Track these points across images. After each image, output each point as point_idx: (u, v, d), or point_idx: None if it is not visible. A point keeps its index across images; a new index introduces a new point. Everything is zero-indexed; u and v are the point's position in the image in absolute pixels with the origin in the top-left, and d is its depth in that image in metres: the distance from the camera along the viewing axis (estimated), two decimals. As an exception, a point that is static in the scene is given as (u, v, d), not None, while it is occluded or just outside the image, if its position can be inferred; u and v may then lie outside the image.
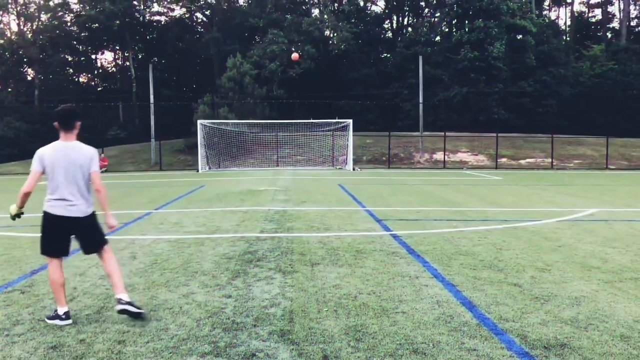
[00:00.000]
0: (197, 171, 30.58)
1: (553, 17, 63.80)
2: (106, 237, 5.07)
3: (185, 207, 13.10)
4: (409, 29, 57.84)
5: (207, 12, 58.12)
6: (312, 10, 57.03)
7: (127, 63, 57.35)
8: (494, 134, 36.25)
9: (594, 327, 4.49)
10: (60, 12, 56.49)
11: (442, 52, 48.74)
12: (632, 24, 59.04)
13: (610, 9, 62.54)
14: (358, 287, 5.74)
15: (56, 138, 4.85)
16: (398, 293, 5.51)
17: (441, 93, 45.87)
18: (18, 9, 56.35)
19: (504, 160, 35.51)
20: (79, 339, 4.33)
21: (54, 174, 4.71)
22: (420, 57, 37.79)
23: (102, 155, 33.45)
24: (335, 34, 51.09)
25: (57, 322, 4.66)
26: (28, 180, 4.75)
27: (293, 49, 44.79)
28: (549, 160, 34.83)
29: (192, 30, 60.92)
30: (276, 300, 5.29)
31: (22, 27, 57.56)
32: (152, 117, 36.58)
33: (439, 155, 36.17)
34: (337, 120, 34.46)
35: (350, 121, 32.87)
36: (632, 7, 58.21)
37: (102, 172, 23.14)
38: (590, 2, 64.35)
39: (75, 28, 56.78)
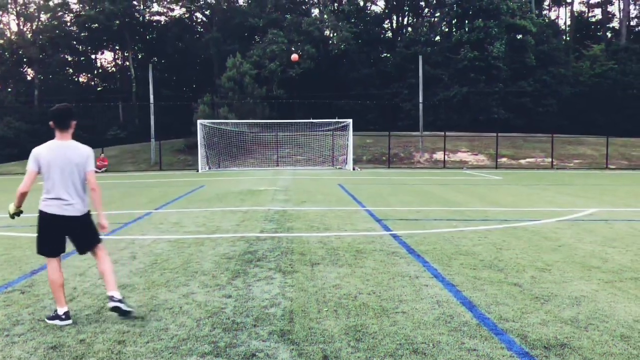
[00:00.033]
0: (197, 171, 30.58)
1: (553, 17, 63.83)
2: (100, 236, 5.07)
3: (185, 207, 13.10)
4: (409, 28, 57.83)
5: (207, 12, 58.10)
6: (312, 10, 57.02)
7: (127, 63, 57.33)
8: (494, 134, 36.25)
9: (594, 327, 4.49)
10: (60, 12, 56.45)
11: (442, 52, 48.73)
12: (632, 23, 59.04)
13: (610, 8, 62.56)
14: (358, 287, 5.74)
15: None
16: (398, 293, 5.51)
17: (441, 93, 45.86)
18: (18, 9, 56.33)
19: (504, 160, 35.50)
20: (79, 339, 4.33)
21: (49, 173, 4.72)
22: (420, 57, 37.78)
23: (102, 155, 33.44)
24: (335, 34, 51.07)
25: (57, 322, 4.66)
26: (24, 180, 4.76)
27: (293, 49, 44.80)
28: (549, 160, 34.83)
29: (192, 30, 60.90)
30: (276, 300, 5.29)
31: (21, 27, 57.55)
32: (152, 117, 36.56)
33: (439, 155, 36.16)
34: (337, 120, 34.45)
35: (350, 121, 32.86)
36: (632, 7, 58.21)
37: (102, 172, 23.13)
38: (590, 1, 64.34)
39: (75, 28, 56.74)
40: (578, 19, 62.11)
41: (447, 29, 53.59)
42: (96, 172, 22.40)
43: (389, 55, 56.40)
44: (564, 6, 63.54)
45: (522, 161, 35.65)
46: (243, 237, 8.67)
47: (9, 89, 55.18)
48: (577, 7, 65.97)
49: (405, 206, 13.00)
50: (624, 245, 7.97)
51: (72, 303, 5.21)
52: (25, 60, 55.95)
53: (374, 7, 60.13)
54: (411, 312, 4.91)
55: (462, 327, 4.51)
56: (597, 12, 64.40)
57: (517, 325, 4.54)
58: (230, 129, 34.43)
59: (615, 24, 61.50)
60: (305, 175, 26.12)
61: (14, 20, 58.16)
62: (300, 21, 48.95)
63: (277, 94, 43.92)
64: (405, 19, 60.54)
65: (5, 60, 54.03)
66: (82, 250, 5.01)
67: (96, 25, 52.84)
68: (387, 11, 59.72)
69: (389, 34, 60.49)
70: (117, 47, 60.39)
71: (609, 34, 60.25)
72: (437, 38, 54.26)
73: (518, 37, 46.63)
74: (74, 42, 57.52)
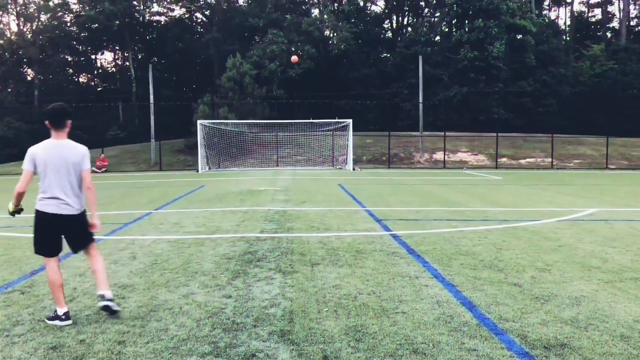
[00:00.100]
0: (197, 171, 30.59)
1: (553, 17, 63.84)
2: (94, 236, 5.07)
3: (185, 207, 13.10)
4: (409, 28, 57.84)
5: (207, 12, 58.10)
6: (312, 10, 57.02)
7: (127, 63, 57.34)
8: (494, 134, 36.25)
9: (594, 327, 4.49)
10: (60, 12, 56.46)
11: (442, 52, 48.74)
12: (631, 23, 59.05)
13: (610, 8, 62.57)
14: (358, 287, 5.74)
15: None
16: (398, 293, 5.51)
17: (441, 93, 45.88)
18: (18, 9, 56.34)
19: (504, 160, 35.50)
20: (79, 339, 4.33)
21: (46, 173, 4.73)
22: (420, 57, 37.78)
23: (102, 155, 33.44)
24: (335, 34, 51.07)
25: (57, 322, 4.66)
26: (21, 180, 4.78)
27: (293, 49, 44.80)
28: (549, 160, 34.83)
29: (192, 30, 60.90)
30: (276, 300, 5.29)
31: (21, 28, 57.57)
32: (152, 117, 36.57)
33: (439, 155, 36.16)
34: (337, 120, 34.46)
35: (350, 121, 32.87)
36: (631, 7, 58.22)
37: (102, 172, 23.09)
38: (590, 1, 64.36)
39: (75, 28, 56.76)
40: (578, 19, 62.11)
41: (447, 29, 53.59)
42: (96, 172, 22.45)
43: (389, 55, 56.42)
44: (564, 6, 63.57)
45: (522, 161, 35.66)
46: (243, 238, 8.67)
47: (9, 89, 55.21)
48: (577, 7, 66.05)
49: (405, 206, 13.00)
50: (624, 245, 7.97)
51: (72, 303, 5.21)
52: (25, 60, 55.97)
53: (374, 7, 60.19)
54: (411, 312, 4.91)
55: (462, 327, 4.51)
56: (597, 12, 64.47)
57: (517, 325, 4.54)
58: (230, 129, 34.43)
59: (615, 24, 61.53)
60: (305, 175, 26.12)
61: (14, 20, 58.23)
62: (300, 21, 48.96)
63: (277, 94, 43.93)
64: (405, 19, 60.56)
65: (5, 60, 54.05)
66: (76, 249, 5.03)
67: (96, 25, 52.86)
68: (387, 11, 59.73)
69: (389, 34, 60.50)
70: (117, 48, 60.41)
71: (609, 34, 60.26)
72: (437, 38, 54.27)
73: (518, 37, 46.64)
74: (74, 43, 57.53)
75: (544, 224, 10.04)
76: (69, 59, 59.05)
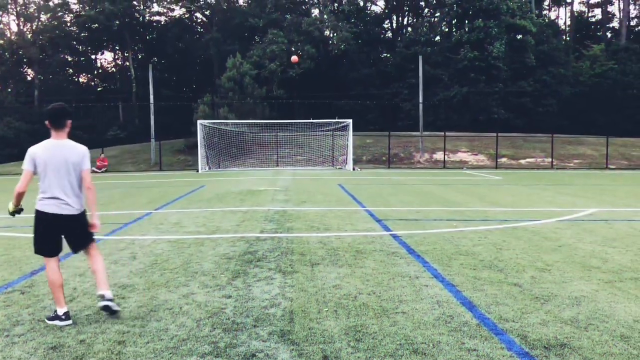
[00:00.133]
0: (197, 171, 30.58)
1: (553, 17, 63.83)
2: (94, 236, 5.08)
3: (185, 207, 13.10)
4: (409, 28, 57.83)
5: (207, 12, 58.09)
6: (312, 10, 56.99)
7: (127, 63, 57.33)
8: (494, 134, 36.25)
9: (594, 327, 4.49)
10: (60, 12, 56.46)
11: (442, 52, 48.74)
12: (631, 23, 59.05)
13: (610, 8, 62.59)
14: (358, 287, 5.74)
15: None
16: (398, 293, 5.51)
17: (441, 93, 45.89)
18: (18, 9, 56.34)
19: (504, 160, 35.50)
20: (79, 339, 4.33)
21: (46, 173, 4.74)
22: (420, 57, 37.78)
23: (102, 155, 33.44)
24: (335, 34, 51.07)
25: (57, 322, 4.66)
26: (21, 180, 4.78)
27: (293, 49, 44.79)
28: (549, 159, 34.83)
29: (192, 30, 60.90)
30: (276, 300, 5.29)
31: (21, 28, 57.56)
32: (152, 117, 36.57)
33: (439, 155, 36.16)
34: (337, 120, 34.47)
35: (350, 121, 32.87)
36: (631, 7, 58.22)
37: (102, 172, 23.07)
38: (590, 1, 64.39)
39: (75, 28, 56.76)
40: (578, 19, 62.11)
41: (447, 29, 53.60)
42: (96, 172, 22.44)
43: (389, 55, 56.43)
44: (563, 6, 63.57)
45: (522, 161, 35.66)
46: (243, 238, 8.67)
47: (9, 89, 55.20)
48: (577, 7, 66.06)
49: (405, 206, 13.00)
50: (624, 245, 7.97)
51: (72, 303, 5.21)
52: (25, 60, 55.97)
53: (374, 7, 60.18)
54: (411, 312, 4.91)
55: (462, 327, 4.51)
56: (597, 12, 64.50)
57: (517, 325, 4.54)
58: (230, 129, 34.44)
59: (615, 24, 61.54)
60: (305, 175, 26.12)
61: (14, 20, 58.23)
62: (300, 21, 48.96)
63: (277, 94, 43.94)
64: (405, 19, 60.56)
65: (5, 60, 54.05)
66: (76, 249, 5.03)
67: (96, 25, 52.87)
68: (387, 11, 59.73)
69: (389, 34, 60.51)
70: (117, 48, 60.41)
71: (609, 34, 60.27)
72: (437, 38, 54.26)
73: (518, 37, 46.64)
74: (74, 43, 57.53)
75: (544, 224, 10.04)
76: (69, 59, 59.05)
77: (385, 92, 48.86)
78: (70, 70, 60.93)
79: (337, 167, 33.60)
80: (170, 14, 59.71)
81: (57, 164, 4.74)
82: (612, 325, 4.55)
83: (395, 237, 8.70)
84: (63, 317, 4.68)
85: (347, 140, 33.38)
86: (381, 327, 4.51)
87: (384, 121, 47.47)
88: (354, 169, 31.36)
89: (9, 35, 56.33)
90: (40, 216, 4.79)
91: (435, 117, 46.11)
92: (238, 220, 10.65)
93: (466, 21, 46.60)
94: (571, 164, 34.94)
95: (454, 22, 50.76)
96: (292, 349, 4.06)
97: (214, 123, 34.31)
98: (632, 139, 40.40)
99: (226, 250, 7.71)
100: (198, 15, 60.42)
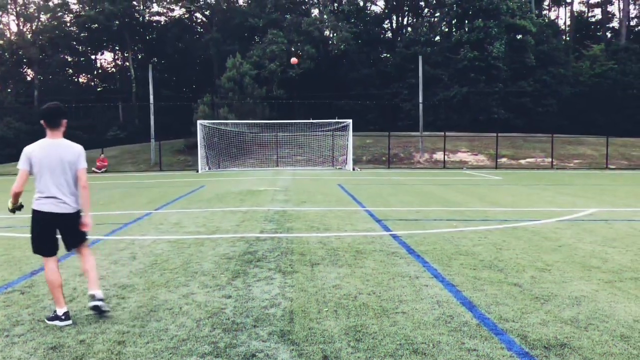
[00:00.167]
0: (197, 171, 30.58)
1: (553, 17, 63.84)
2: (87, 235, 5.08)
3: (185, 207, 13.09)
4: (409, 28, 57.84)
5: (207, 13, 58.09)
6: (312, 10, 57.00)
7: (127, 63, 57.32)
8: (494, 134, 36.25)
9: (594, 327, 4.49)
10: (60, 12, 56.44)
11: (442, 52, 48.74)
12: (631, 23, 59.05)
13: (610, 8, 62.59)
14: (358, 287, 5.74)
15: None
16: (398, 293, 5.51)
17: (441, 93, 45.89)
18: (17, 9, 56.33)
19: (504, 160, 35.50)
20: (79, 339, 4.33)
21: (42, 172, 4.76)
22: (420, 57, 37.78)
23: (102, 155, 33.44)
24: (335, 34, 51.07)
25: (57, 322, 4.66)
26: (17, 180, 4.80)
27: (293, 49, 44.81)
28: (549, 159, 34.83)
29: (192, 30, 60.90)
30: (276, 300, 5.29)
31: (21, 28, 57.55)
32: (152, 118, 36.57)
33: (439, 155, 36.16)
34: (337, 120, 34.47)
35: (350, 121, 32.87)
36: (631, 7, 58.22)
37: (102, 172, 23.04)
38: (590, 1, 64.39)
39: (74, 28, 56.75)
40: (578, 19, 62.11)
41: (447, 29, 53.61)
42: (96, 172, 22.42)
43: (389, 55, 56.42)
44: (563, 6, 63.57)
45: (522, 161, 35.65)
46: (243, 238, 8.67)
47: (9, 90, 55.18)
48: (577, 7, 66.05)
49: (405, 206, 13.00)
50: (624, 245, 7.97)
51: (72, 303, 5.21)
52: (25, 60, 55.96)
53: (373, 7, 60.18)
54: (411, 312, 4.91)
55: (462, 327, 4.51)
56: (597, 12, 64.50)
57: (517, 325, 4.54)
58: (230, 129, 34.44)
59: (615, 24, 61.54)
60: (305, 175, 26.12)
61: (13, 20, 58.22)
62: (300, 21, 48.96)
63: (277, 94, 43.95)
64: (405, 19, 60.56)
65: (5, 60, 54.04)
66: (69, 247, 5.05)
67: (96, 25, 52.86)
68: (387, 11, 59.73)
69: (389, 34, 60.51)
70: (117, 48, 60.40)
71: (608, 34, 60.27)
72: (437, 38, 54.26)
73: (518, 37, 46.64)
74: (74, 43, 57.52)
75: (544, 224, 10.04)
76: (69, 59, 59.04)
77: (385, 92, 48.85)
78: (70, 70, 60.92)
79: (337, 167, 33.60)
80: (170, 14, 59.72)
81: (53, 163, 4.76)
82: (612, 325, 4.55)
83: (395, 237, 8.70)
84: (63, 317, 4.68)
85: (347, 141, 33.38)
86: (381, 327, 4.51)
87: (384, 121, 47.48)
88: (353, 169, 31.36)
89: (8, 35, 56.33)
90: (38, 215, 4.80)
91: (435, 117, 46.12)
92: (238, 220, 10.65)
93: (466, 21, 46.60)
94: (571, 164, 34.94)
95: (453, 22, 50.76)
96: (292, 349, 4.06)
97: (213, 123, 34.31)
98: (632, 139, 40.39)
99: (226, 250, 7.71)
100: (198, 15, 60.42)
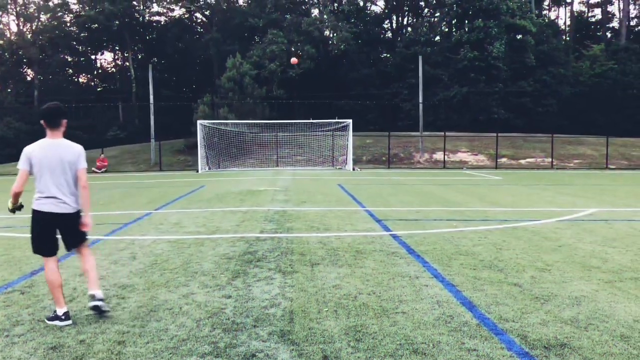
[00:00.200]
0: (197, 172, 30.58)
1: (553, 17, 63.84)
2: (87, 235, 5.09)
3: (185, 207, 13.09)
4: (409, 28, 57.84)
5: (207, 13, 58.08)
6: (312, 10, 57.00)
7: (127, 63, 57.32)
8: (494, 134, 36.26)
9: (594, 327, 4.49)
10: (60, 12, 56.44)
11: (442, 52, 48.74)
12: (631, 23, 59.05)
13: (610, 8, 62.58)
14: (358, 287, 5.74)
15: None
16: (398, 293, 5.51)
17: (441, 93, 45.90)
18: (17, 9, 56.33)
19: (504, 160, 35.50)
20: (79, 339, 4.33)
21: (42, 172, 4.77)
22: (420, 57, 37.78)
23: (102, 155, 33.44)
24: (335, 34, 51.07)
25: (57, 322, 4.66)
26: (17, 180, 4.81)
27: (293, 49, 44.81)
28: (549, 159, 34.83)
29: (192, 30, 60.88)
30: (276, 300, 5.29)
31: (21, 28, 57.55)
32: (152, 118, 36.57)
33: (439, 155, 36.16)
34: (337, 120, 34.48)
35: (350, 121, 32.88)
36: (631, 7, 58.21)
37: (102, 172, 23.01)
38: (590, 1, 64.38)
39: (74, 28, 56.74)
40: (578, 19, 62.11)
41: (447, 29, 53.61)
42: (96, 172, 22.39)
43: (389, 55, 56.42)
44: (563, 6, 63.57)
45: (522, 161, 35.65)
46: (243, 238, 8.67)
47: (9, 90, 55.18)
48: (577, 7, 66.05)
49: (405, 206, 12.99)
50: (624, 245, 7.97)
51: (72, 303, 5.21)
52: (25, 60, 55.96)
53: (373, 7, 60.17)
54: (411, 312, 4.91)
55: (462, 327, 4.51)
56: (597, 12, 64.50)
57: (517, 325, 4.54)
58: (230, 129, 34.45)
59: (615, 23, 61.54)
60: (305, 175, 26.12)
61: (13, 20, 58.21)
62: (300, 21, 48.95)
63: (277, 94, 43.97)
64: (405, 19, 60.56)
65: (5, 60, 54.03)
66: (69, 247, 5.06)
67: (96, 25, 52.86)
68: (387, 11, 59.73)
69: (389, 34, 60.51)
70: (117, 48, 60.40)
71: (608, 34, 60.26)
72: (437, 38, 54.26)
73: (518, 37, 46.64)
74: (74, 43, 57.51)
75: (543, 224, 10.04)
76: (69, 59, 59.03)
77: (385, 92, 48.85)
78: (70, 70, 60.91)
79: (337, 167, 33.61)
80: (170, 14, 59.72)
81: (53, 163, 4.77)
82: (612, 325, 4.55)
83: (395, 237, 8.70)
84: (63, 317, 4.68)
85: (347, 141, 33.38)
86: (381, 327, 4.51)
87: (384, 121, 47.48)
88: (353, 169, 31.36)
89: (8, 35, 56.32)
90: (38, 215, 4.81)
91: (436, 117, 46.12)
92: (238, 220, 10.65)
93: (466, 21, 46.60)
94: (571, 164, 34.94)
95: (453, 22, 50.76)
96: (292, 349, 4.06)
97: (213, 123, 34.32)
98: (632, 139, 40.39)
99: (226, 250, 7.71)
100: (198, 15, 60.42)
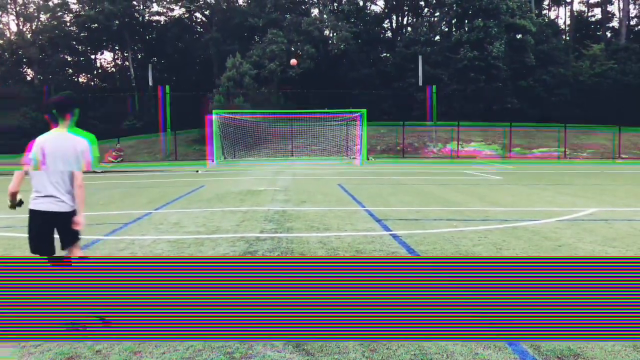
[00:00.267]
0: (197, 172, 30.50)
1: (552, 17, 63.89)
2: (80, 235, 5.04)
3: (185, 207, 13.03)
4: (409, 28, 57.84)
5: (207, 12, 58.05)
6: (312, 10, 56.99)
7: (127, 63, 57.29)
8: (507, 125, 36.34)
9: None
10: (60, 12, 56.42)
11: (442, 52, 48.73)
12: (631, 23, 59.07)
13: (609, 8, 62.63)
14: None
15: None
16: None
17: (441, 93, 45.87)
18: (17, 9, 56.30)
19: (517, 149, 35.52)
20: (95, 350, 4.30)
21: (47, 165, 4.73)
22: (420, 57, 37.81)
23: (119, 145, 33.49)
24: (334, 34, 51.06)
25: None
26: (13, 180, 4.81)
27: (293, 49, 44.81)
28: (562, 149, 34.76)
29: (192, 30, 60.87)
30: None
31: (21, 28, 57.52)
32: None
33: (453, 145, 36.32)
34: (350, 109, 34.64)
35: (365, 111, 32.86)
36: (631, 7, 58.22)
37: (118, 162, 23.05)
38: (590, 1, 64.39)
39: (74, 28, 56.72)
40: (578, 19, 62.11)
41: (447, 29, 53.62)
42: (112, 162, 22.41)
43: (388, 55, 56.41)
44: (563, 6, 63.61)
45: (535, 151, 35.62)
46: (243, 238, 8.62)
47: (9, 90, 55.16)
48: (577, 6, 66.11)
49: (405, 206, 12.94)
50: (624, 245, 7.92)
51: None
52: (25, 60, 55.93)
53: (373, 7, 60.19)
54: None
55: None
56: (597, 11, 64.56)
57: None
58: (246, 119, 34.61)
59: (615, 23, 61.55)
60: (305, 175, 26.08)
61: (13, 20, 58.22)
62: (300, 21, 48.94)
63: (278, 97, 44.20)
64: (405, 19, 60.56)
65: (5, 60, 53.98)
66: (65, 246, 5.01)
67: (96, 25, 52.85)
68: (387, 11, 59.72)
69: (389, 33, 60.51)
70: (117, 48, 60.38)
71: (608, 34, 60.27)
72: (437, 38, 54.28)
73: (518, 37, 46.66)
74: (74, 43, 57.50)
75: (544, 223, 9.99)
76: (69, 59, 59.01)
77: (386, 92, 48.86)
78: (70, 70, 60.90)
79: (352, 157, 33.76)
80: (170, 14, 59.73)
81: (57, 156, 4.74)
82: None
83: (395, 237, 8.65)
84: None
85: (361, 131, 33.41)
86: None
87: (398, 111, 47.35)
88: (368, 159, 31.49)
89: (8, 35, 56.27)
90: (37, 215, 4.77)
91: (449, 107, 45.91)
92: (238, 220, 10.59)
93: (466, 21, 46.61)
94: (584, 154, 34.90)
95: (453, 21, 50.79)
96: (308, 360, 4.02)
97: (228, 113, 34.43)
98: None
99: (226, 250, 7.66)
100: (198, 15, 60.41)
